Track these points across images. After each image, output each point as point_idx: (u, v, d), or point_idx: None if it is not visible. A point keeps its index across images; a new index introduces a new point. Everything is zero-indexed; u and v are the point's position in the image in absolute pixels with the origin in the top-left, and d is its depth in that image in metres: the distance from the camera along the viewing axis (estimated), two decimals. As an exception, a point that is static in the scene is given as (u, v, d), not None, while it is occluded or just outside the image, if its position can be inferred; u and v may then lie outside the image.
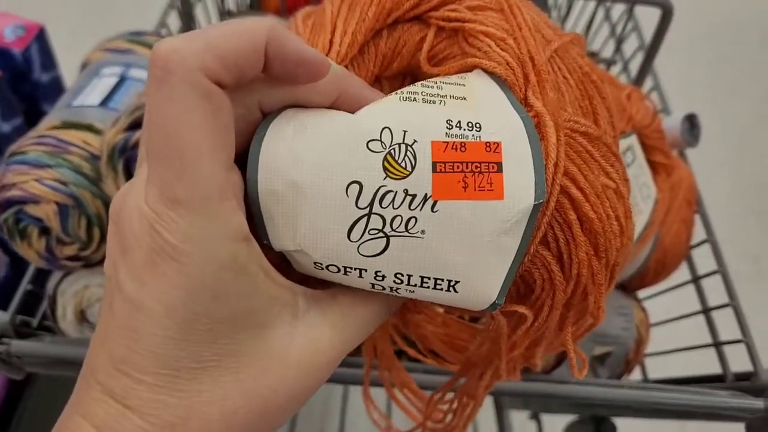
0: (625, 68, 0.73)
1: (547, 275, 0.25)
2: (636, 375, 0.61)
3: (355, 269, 0.24)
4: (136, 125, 0.43)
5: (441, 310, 0.34)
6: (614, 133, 0.27)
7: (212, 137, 0.20)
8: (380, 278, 0.24)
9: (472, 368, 0.34)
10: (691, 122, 0.65)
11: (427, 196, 0.23)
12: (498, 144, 0.23)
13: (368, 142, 0.23)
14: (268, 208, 0.23)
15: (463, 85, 0.26)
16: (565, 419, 0.75)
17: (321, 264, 0.24)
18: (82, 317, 0.49)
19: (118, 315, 0.21)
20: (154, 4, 0.72)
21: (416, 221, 0.23)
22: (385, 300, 0.27)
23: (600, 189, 0.25)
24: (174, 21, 0.69)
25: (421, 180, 0.23)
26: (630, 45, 0.73)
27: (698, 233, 0.60)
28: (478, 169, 0.23)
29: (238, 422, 0.22)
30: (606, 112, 0.27)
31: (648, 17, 0.65)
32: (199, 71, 0.19)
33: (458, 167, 0.23)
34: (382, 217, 0.23)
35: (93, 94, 0.51)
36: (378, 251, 0.24)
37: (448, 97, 0.25)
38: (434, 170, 0.23)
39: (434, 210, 0.23)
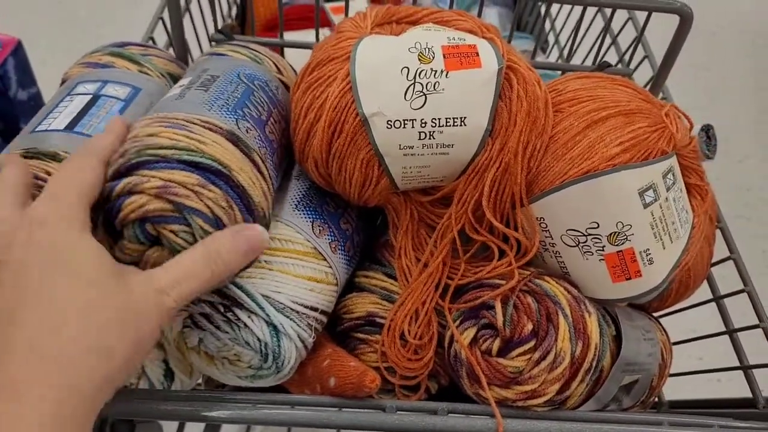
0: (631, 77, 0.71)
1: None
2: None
3: (409, 120, 0.42)
4: (119, 174, 0.37)
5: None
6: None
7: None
8: (423, 125, 0.42)
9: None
10: (707, 134, 0.63)
11: (443, 70, 0.42)
12: (475, 45, 0.44)
13: (409, 48, 0.43)
14: (364, 87, 0.42)
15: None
16: None
17: (391, 122, 0.42)
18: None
19: None
20: (137, 16, 0.67)
21: (439, 83, 0.42)
22: None
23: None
24: (160, 35, 0.65)
25: (438, 62, 0.43)
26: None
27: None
28: (467, 54, 0.43)
29: None
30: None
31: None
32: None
33: (456, 54, 0.43)
34: (421, 83, 0.42)
35: (60, 117, 0.45)
36: (420, 105, 0.42)
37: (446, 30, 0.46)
38: (444, 57, 0.43)
39: (447, 77, 0.42)
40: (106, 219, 0.37)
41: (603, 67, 0.61)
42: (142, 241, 0.37)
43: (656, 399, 0.63)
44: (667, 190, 0.43)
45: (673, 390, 0.57)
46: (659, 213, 0.43)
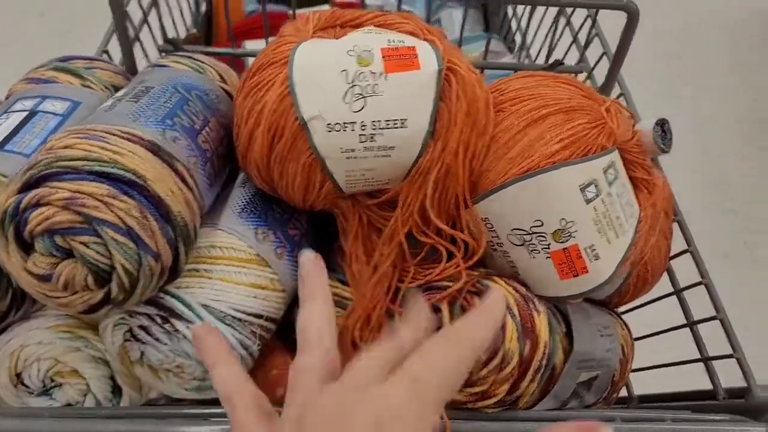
0: (589, 76, 0.71)
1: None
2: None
3: (349, 123, 0.42)
4: (29, 186, 0.37)
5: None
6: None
7: None
8: (363, 128, 0.42)
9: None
10: (662, 128, 0.63)
11: (382, 72, 0.42)
12: (414, 47, 0.44)
13: (348, 51, 0.43)
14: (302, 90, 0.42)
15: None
16: None
17: (331, 125, 0.42)
18: (18, 381, 0.44)
19: None
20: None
21: (378, 86, 0.42)
22: None
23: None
24: (115, 47, 0.65)
25: (377, 64, 0.42)
26: (591, 52, 0.71)
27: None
28: (406, 56, 0.43)
29: None
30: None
31: (609, 22, 0.63)
32: None
33: (395, 56, 0.43)
34: (360, 86, 0.42)
35: (-7, 135, 0.44)
36: (360, 108, 0.42)
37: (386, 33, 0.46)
38: (383, 59, 0.43)
39: (386, 79, 0.42)
40: (16, 232, 0.37)
41: (555, 65, 0.61)
42: (54, 253, 0.37)
43: (627, 393, 0.63)
44: (609, 185, 0.43)
45: (665, 384, 0.56)
46: (602, 208, 0.43)
